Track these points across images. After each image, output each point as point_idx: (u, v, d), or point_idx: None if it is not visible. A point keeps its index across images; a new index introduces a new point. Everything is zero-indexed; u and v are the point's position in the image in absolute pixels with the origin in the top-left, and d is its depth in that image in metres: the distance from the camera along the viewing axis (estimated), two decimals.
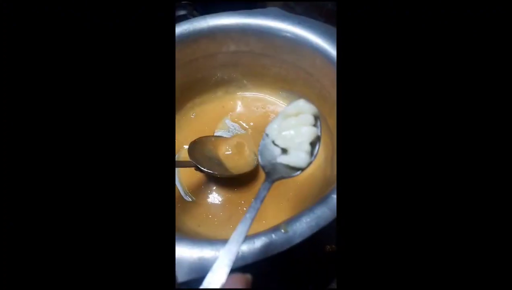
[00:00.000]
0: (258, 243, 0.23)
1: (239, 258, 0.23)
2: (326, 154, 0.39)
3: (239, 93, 0.45)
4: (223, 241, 0.24)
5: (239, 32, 0.37)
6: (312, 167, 0.39)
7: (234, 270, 0.22)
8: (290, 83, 0.42)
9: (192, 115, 0.44)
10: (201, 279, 0.22)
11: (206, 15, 0.38)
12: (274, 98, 0.44)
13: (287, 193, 0.37)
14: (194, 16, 0.45)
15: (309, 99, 0.40)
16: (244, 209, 0.37)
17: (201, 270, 0.22)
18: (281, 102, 0.44)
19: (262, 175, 0.40)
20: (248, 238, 0.23)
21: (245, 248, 0.23)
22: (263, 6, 0.38)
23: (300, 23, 0.36)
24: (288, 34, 0.36)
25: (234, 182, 0.38)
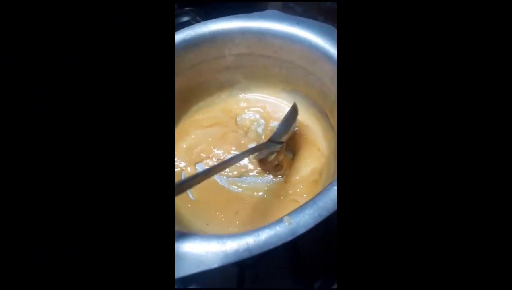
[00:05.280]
0: (263, 235, 0.24)
1: (245, 249, 0.23)
2: (330, 150, 0.40)
3: (242, 95, 0.46)
4: (229, 235, 0.24)
5: (239, 35, 0.38)
6: (318, 163, 0.40)
7: (241, 262, 0.23)
8: (292, 83, 0.43)
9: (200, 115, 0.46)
10: (209, 271, 0.23)
11: (207, 21, 0.39)
12: (275, 98, 0.45)
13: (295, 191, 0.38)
14: (197, 22, 0.47)
15: (310, 97, 0.42)
16: (250, 206, 0.38)
17: (209, 263, 0.23)
18: (283, 102, 0.45)
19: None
20: (253, 231, 0.24)
21: (251, 240, 0.24)
22: (264, 7, 0.39)
23: (298, 24, 0.37)
24: (286, 35, 0.37)
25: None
